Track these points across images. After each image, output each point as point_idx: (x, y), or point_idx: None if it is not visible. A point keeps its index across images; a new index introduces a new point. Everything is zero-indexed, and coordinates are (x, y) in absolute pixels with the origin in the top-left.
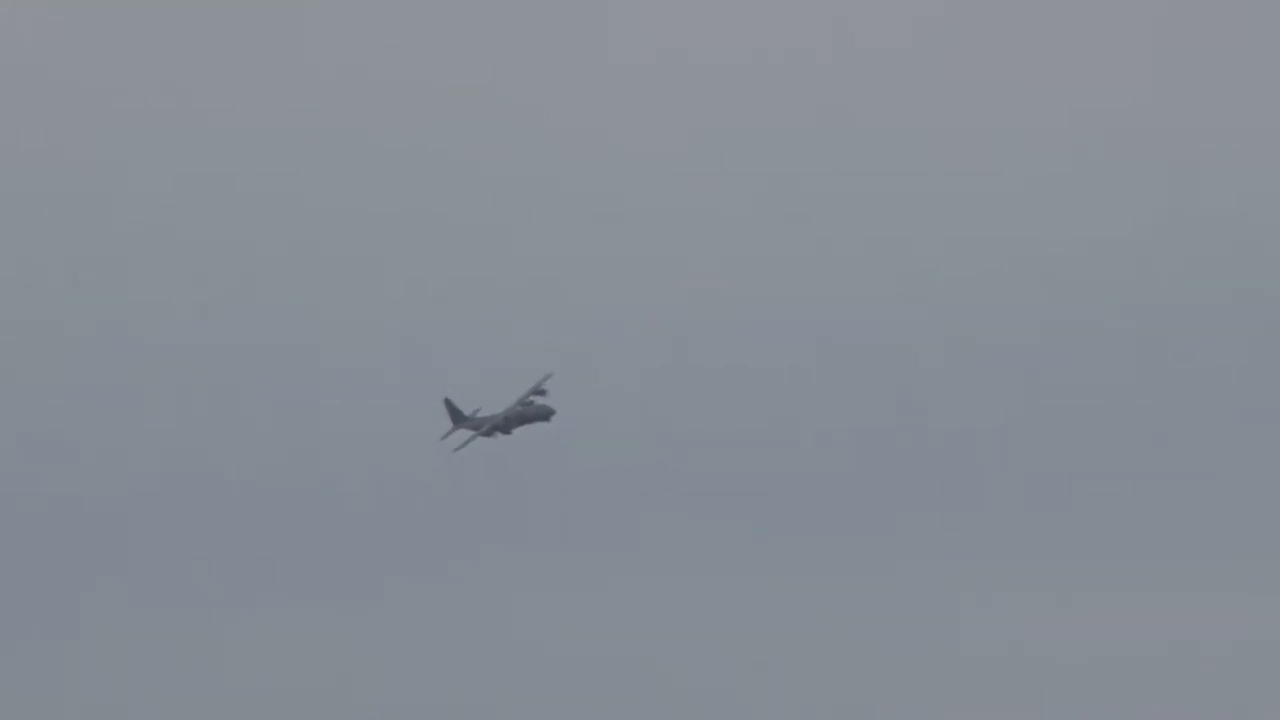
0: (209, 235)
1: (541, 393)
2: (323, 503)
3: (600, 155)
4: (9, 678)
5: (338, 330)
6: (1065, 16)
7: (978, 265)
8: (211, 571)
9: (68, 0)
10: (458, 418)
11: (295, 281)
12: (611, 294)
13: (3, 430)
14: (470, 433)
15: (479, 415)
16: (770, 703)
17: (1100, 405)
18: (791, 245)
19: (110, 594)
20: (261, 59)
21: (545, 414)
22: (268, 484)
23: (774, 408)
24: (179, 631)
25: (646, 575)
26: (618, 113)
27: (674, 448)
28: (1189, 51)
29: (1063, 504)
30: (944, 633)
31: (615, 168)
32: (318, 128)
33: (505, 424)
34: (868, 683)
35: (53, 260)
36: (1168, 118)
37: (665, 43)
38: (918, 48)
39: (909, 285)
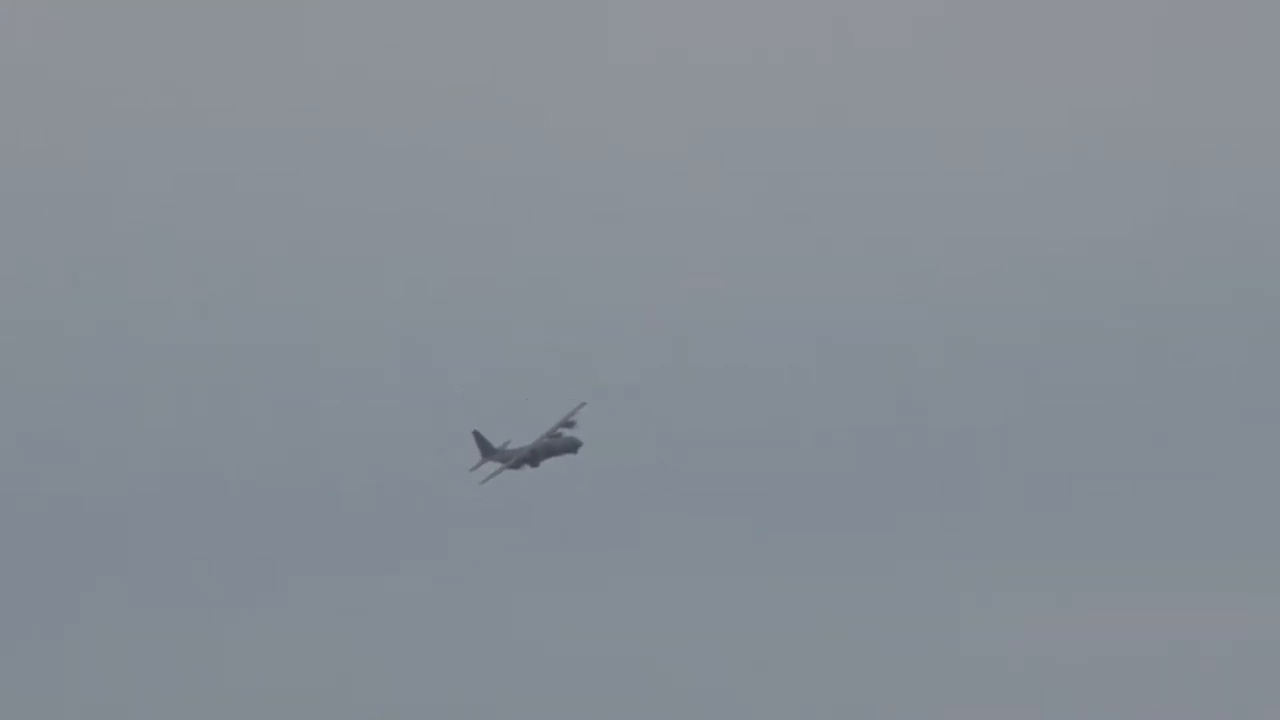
0: (209, 235)
1: (570, 424)
2: (323, 502)
3: (600, 155)
4: (9, 678)
5: (338, 330)
6: (1065, 16)
7: (978, 265)
8: (211, 571)
9: (68, 0)
10: (487, 450)
11: (295, 282)
12: (611, 294)
13: (2, 430)
14: (498, 465)
15: (508, 448)
16: (770, 703)
17: (1100, 405)
18: (791, 245)
19: (109, 594)
20: (261, 59)
21: (573, 446)
22: (268, 484)
23: (774, 408)
24: (178, 632)
25: (646, 574)
26: (618, 113)
27: (673, 448)
28: (1189, 51)
29: (1063, 504)
30: (944, 632)
31: (615, 168)
32: (318, 128)
33: (533, 456)
34: (868, 683)
35: (53, 260)
36: (1168, 118)
37: (665, 43)
38: (918, 48)
39: (909, 285)
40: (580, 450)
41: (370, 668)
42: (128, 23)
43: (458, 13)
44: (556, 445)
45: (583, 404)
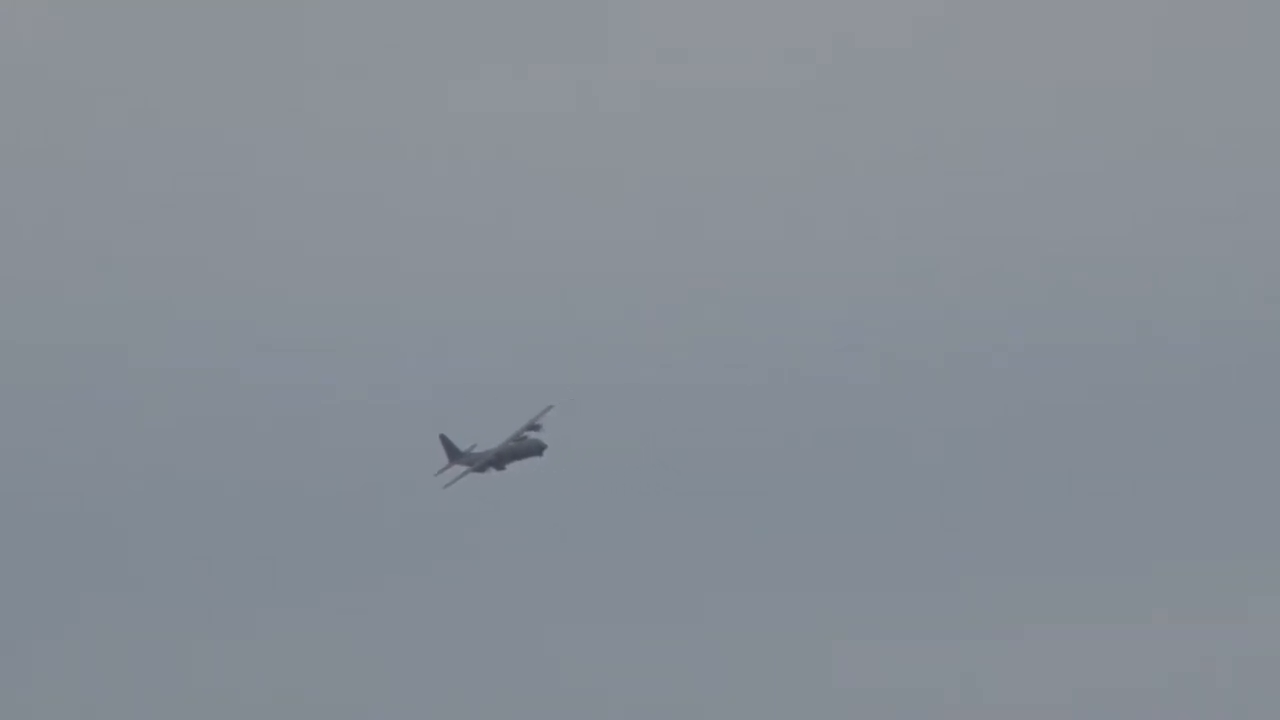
0: (209, 236)
1: (536, 427)
2: (321, 507)
3: (599, 156)
4: (9, 678)
5: (334, 331)
6: (1065, 16)
7: (978, 265)
8: (209, 576)
9: (68, 0)
10: (453, 453)
11: (296, 280)
12: (610, 295)
13: (3, 434)
14: (464, 468)
15: (474, 451)
16: (734, 709)
17: (1100, 407)
18: (791, 245)
19: (106, 598)
20: (261, 59)
21: (538, 449)
22: (265, 489)
23: (773, 409)
24: (176, 634)
25: (645, 576)
26: (616, 113)
27: (671, 449)
28: (1189, 51)
29: (1065, 509)
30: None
31: (614, 168)
32: (313, 129)
33: (498, 460)
34: (863, 695)
35: (52, 260)
36: (1168, 117)
37: (665, 42)
38: (918, 48)
39: (909, 285)
40: (545, 453)
41: (356, 673)
42: (128, 23)
43: (455, 15)
44: (521, 449)
45: (549, 407)
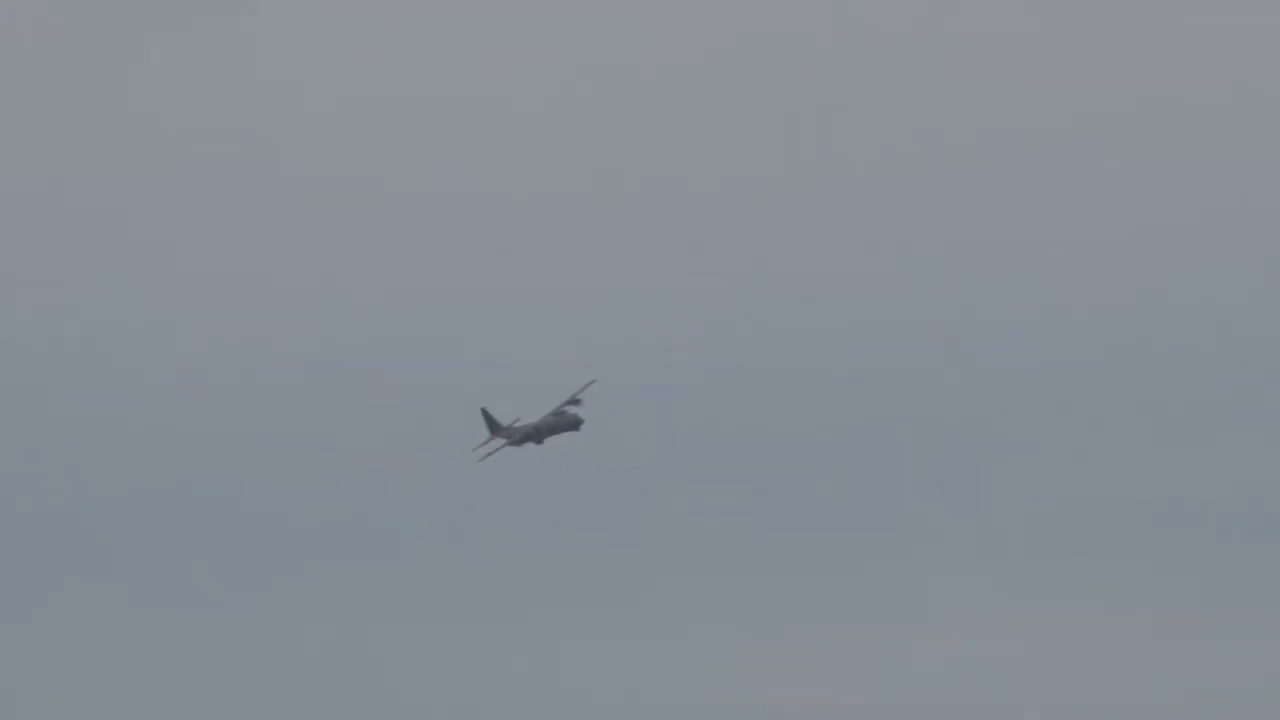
0: (209, 236)
1: (577, 401)
2: (336, 504)
3: (598, 155)
4: (9, 679)
5: (343, 332)
6: (1065, 16)
7: (978, 265)
8: (208, 574)
9: (67, 0)
10: (494, 427)
11: (300, 276)
12: (609, 296)
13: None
14: (502, 442)
15: (515, 425)
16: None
17: (1099, 405)
18: (790, 246)
19: (106, 598)
20: (258, 58)
21: (575, 423)
22: (264, 489)
23: (773, 410)
24: (176, 634)
25: (651, 576)
26: (616, 113)
27: (673, 450)
28: (1189, 50)
29: (1065, 506)
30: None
31: (615, 168)
32: (321, 125)
33: (537, 434)
34: (865, 688)
35: (51, 260)
36: (1168, 117)
37: (664, 37)
38: (918, 46)
39: (908, 284)
40: (582, 428)
41: (356, 673)
42: (128, 23)
43: (449, 14)
44: (560, 423)
45: (592, 381)
